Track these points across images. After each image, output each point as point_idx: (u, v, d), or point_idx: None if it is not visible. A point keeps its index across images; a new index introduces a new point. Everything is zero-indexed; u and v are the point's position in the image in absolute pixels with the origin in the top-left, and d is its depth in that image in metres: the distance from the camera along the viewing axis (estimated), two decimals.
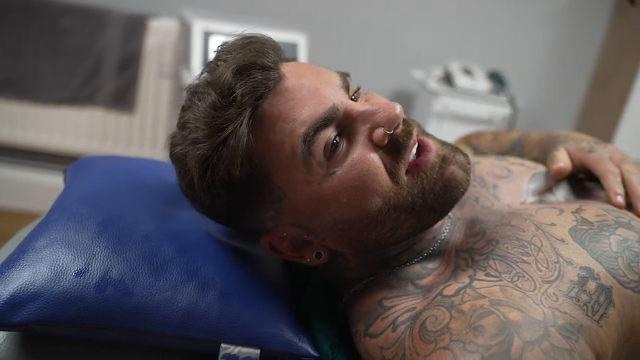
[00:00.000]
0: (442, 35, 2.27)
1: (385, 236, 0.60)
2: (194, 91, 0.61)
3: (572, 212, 0.62)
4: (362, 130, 0.57)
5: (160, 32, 1.92)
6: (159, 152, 2.06)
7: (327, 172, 0.56)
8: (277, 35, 1.69)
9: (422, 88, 2.10)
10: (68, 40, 1.88)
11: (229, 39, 0.61)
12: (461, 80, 2.00)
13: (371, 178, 0.56)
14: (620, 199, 0.64)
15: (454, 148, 0.62)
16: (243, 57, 0.56)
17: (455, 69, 2.04)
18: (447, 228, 0.66)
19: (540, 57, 2.36)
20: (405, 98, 2.33)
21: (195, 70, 1.61)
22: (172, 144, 0.62)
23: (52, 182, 2.08)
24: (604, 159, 0.69)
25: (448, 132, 2.03)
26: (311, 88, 0.57)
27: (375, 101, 0.60)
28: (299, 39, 1.75)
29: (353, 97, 0.60)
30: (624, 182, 0.66)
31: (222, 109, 0.55)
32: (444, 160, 0.60)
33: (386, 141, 0.57)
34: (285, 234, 0.61)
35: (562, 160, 0.71)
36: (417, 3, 2.22)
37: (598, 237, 0.58)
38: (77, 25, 1.87)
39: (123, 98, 1.97)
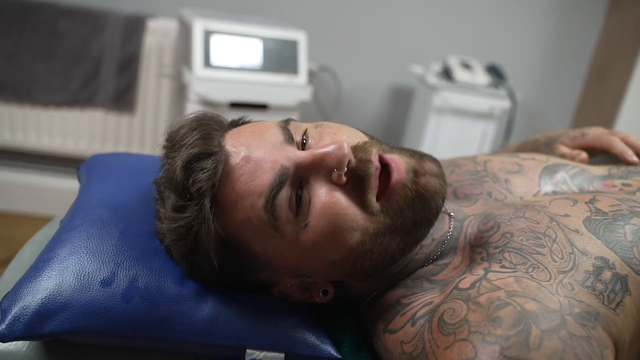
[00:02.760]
0: (440, 30, 2.27)
1: (378, 260, 0.60)
2: (159, 190, 0.62)
3: (586, 203, 0.63)
4: (319, 177, 0.57)
5: (159, 33, 1.91)
6: (159, 153, 2.06)
7: (299, 227, 0.56)
8: (277, 33, 1.71)
9: (422, 83, 2.10)
10: (67, 42, 1.87)
11: (176, 124, 0.62)
12: (460, 74, 2.01)
13: (342, 219, 0.56)
14: (634, 157, 0.74)
15: (421, 155, 0.61)
16: (190, 149, 0.56)
17: (454, 63, 2.04)
18: (452, 227, 0.66)
19: (537, 51, 2.36)
20: (404, 93, 2.33)
21: (197, 69, 1.61)
22: (158, 232, 0.63)
23: (54, 184, 2.08)
24: (600, 134, 0.80)
25: (448, 126, 2.04)
26: (257, 157, 0.57)
27: (322, 143, 0.59)
28: (298, 37, 1.75)
29: (304, 140, 0.60)
30: (628, 145, 0.77)
31: (182, 210, 0.56)
32: (415, 173, 0.59)
33: (345, 179, 0.57)
34: (289, 284, 0.63)
35: (568, 154, 0.79)
36: (415, 0, 2.22)
37: (613, 226, 0.59)
38: (75, 27, 1.86)
39: (123, 99, 1.97)
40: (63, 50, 1.88)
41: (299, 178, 0.57)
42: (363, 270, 0.61)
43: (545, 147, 0.86)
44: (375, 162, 0.58)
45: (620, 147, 0.76)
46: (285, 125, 0.61)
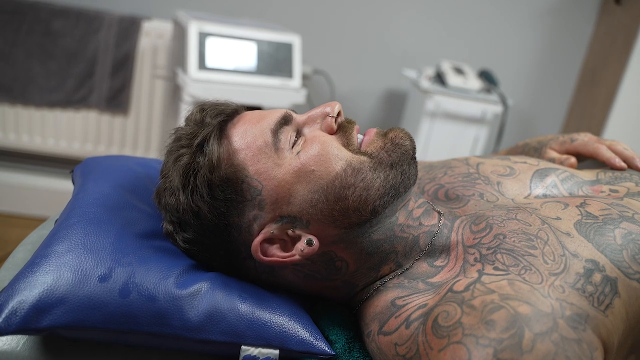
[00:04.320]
0: (434, 36, 2.30)
1: (360, 199, 0.63)
2: (169, 146, 0.70)
3: (577, 206, 0.64)
4: (314, 128, 0.67)
5: (153, 34, 1.92)
6: (152, 154, 2.06)
7: (293, 154, 0.64)
8: (271, 36, 1.72)
9: (415, 87, 2.12)
10: (61, 42, 1.87)
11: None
12: (453, 79, 2.03)
13: (329, 147, 0.64)
14: (621, 162, 0.77)
15: (389, 128, 0.70)
16: (204, 103, 0.70)
17: (447, 68, 2.06)
18: (442, 223, 0.68)
19: (529, 57, 2.39)
20: (398, 97, 2.35)
21: (192, 71, 1.62)
22: (157, 188, 0.69)
23: (47, 185, 2.07)
24: (588, 141, 0.82)
25: (441, 130, 2.06)
26: (264, 111, 0.69)
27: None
28: (293, 40, 1.76)
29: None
30: (614, 152, 0.79)
31: (194, 128, 0.66)
32: (384, 134, 0.68)
33: (335, 127, 0.67)
34: (272, 232, 0.63)
35: (557, 158, 0.81)
36: (409, 5, 2.24)
37: (603, 230, 0.60)
38: (69, 27, 1.87)
39: (117, 100, 1.97)
40: (57, 51, 1.88)
41: (298, 126, 0.67)
42: (348, 210, 0.62)
43: (535, 151, 0.88)
44: (356, 125, 0.69)
45: (607, 154, 0.79)
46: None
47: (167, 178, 0.66)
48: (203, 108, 0.68)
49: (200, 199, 0.62)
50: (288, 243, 0.64)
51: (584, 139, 0.83)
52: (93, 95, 1.95)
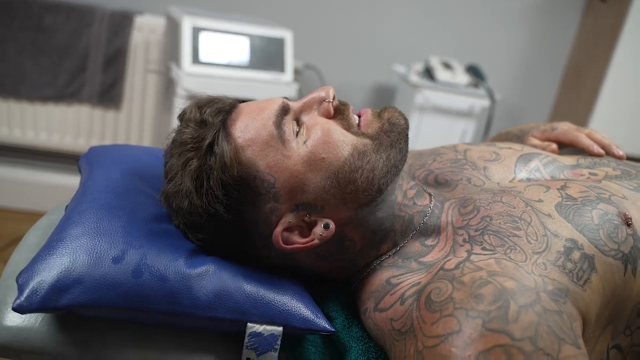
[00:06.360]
0: (423, 32, 2.33)
1: (367, 180, 0.66)
2: (169, 148, 0.71)
3: (558, 189, 0.69)
4: (312, 114, 0.69)
5: (145, 29, 1.93)
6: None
7: (299, 144, 0.66)
8: (264, 31, 1.75)
9: (404, 82, 2.15)
10: (53, 37, 1.88)
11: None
12: (441, 74, 2.07)
13: (333, 133, 0.66)
14: (599, 149, 0.82)
15: (384, 107, 0.73)
16: (199, 100, 0.70)
17: (435, 63, 2.10)
18: (433, 204, 0.72)
19: (515, 53, 2.44)
20: (387, 92, 2.39)
21: (186, 65, 1.64)
22: (163, 192, 0.69)
23: (39, 179, 2.08)
24: (568, 129, 0.87)
25: (430, 124, 2.10)
26: (260, 101, 0.70)
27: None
28: (285, 35, 1.78)
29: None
30: (593, 140, 0.84)
31: (197, 130, 0.67)
32: (379, 114, 0.71)
33: (332, 112, 0.69)
34: (290, 221, 0.66)
35: (539, 145, 0.86)
36: (398, 2, 2.27)
37: (581, 211, 0.65)
38: (61, 22, 1.87)
39: (109, 94, 1.98)
40: (49, 46, 1.88)
41: (296, 114, 0.69)
42: (357, 191, 0.66)
43: (517, 139, 0.93)
44: (350, 106, 0.72)
45: (586, 142, 0.83)
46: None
47: (176, 182, 0.66)
48: (200, 106, 0.68)
49: (215, 201, 0.64)
50: (304, 228, 0.67)
51: (564, 128, 0.88)
52: (85, 90, 1.96)
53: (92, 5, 1.90)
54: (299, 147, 0.65)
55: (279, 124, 0.66)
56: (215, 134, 0.65)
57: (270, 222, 0.66)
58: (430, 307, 0.57)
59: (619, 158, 0.81)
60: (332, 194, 0.65)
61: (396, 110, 0.72)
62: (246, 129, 0.66)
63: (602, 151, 0.82)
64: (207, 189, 0.64)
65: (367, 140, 0.68)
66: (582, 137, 0.84)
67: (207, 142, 0.65)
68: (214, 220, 0.65)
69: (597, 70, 2.25)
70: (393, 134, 0.69)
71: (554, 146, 0.86)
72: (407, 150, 0.71)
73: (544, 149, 0.86)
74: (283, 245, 0.66)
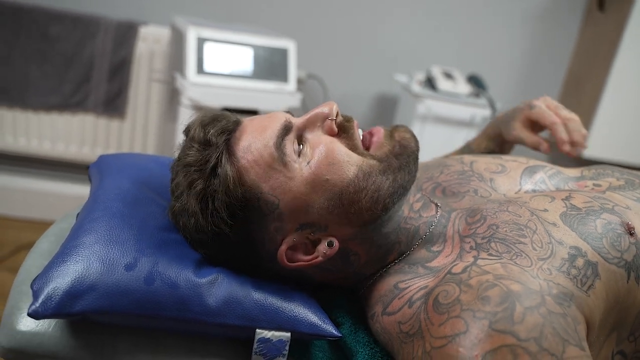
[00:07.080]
0: (424, 42, 2.35)
1: (372, 200, 0.66)
2: (175, 166, 0.71)
3: (562, 200, 0.70)
4: (316, 132, 0.69)
5: (150, 39, 1.96)
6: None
7: (303, 164, 0.66)
8: (267, 41, 1.77)
9: (406, 91, 2.17)
10: (58, 47, 1.89)
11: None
12: (443, 83, 2.08)
13: (338, 154, 0.66)
14: (568, 147, 0.87)
15: (395, 126, 0.73)
16: (203, 117, 0.70)
17: (437, 73, 2.12)
18: (439, 214, 0.73)
19: (516, 62, 2.46)
20: (389, 101, 2.40)
21: (190, 75, 1.66)
22: (171, 208, 0.70)
23: (43, 188, 2.10)
24: (545, 111, 0.90)
25: (431, 134, 2.11)
26: (263, 118, 0.69)
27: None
28: (288, 45, 1.80)
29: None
30: (565, 128, 0.88)
31: (202, 151, 0.66)
32: (390, 135, 0.71)
33: (336, 129, 0.69)
34: (294, 239, 0.67)
35: (525, 136, 0.94)
36: (400, 12, 2.30)
37: (585, 220, 0.66)
38: (67, 32, 1.89)
39: (114, 103, 2.00)
40: (55, 55, 1.90)
41: (300, 136, 0.68)
42: (361, 211, 0.66)
43: (505, 125, 0.98)
44: (355, 121, 0.71)
45: (558, 135, 0.88)
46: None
47: (182, 201, 0.67)
48: (204, 124, 0.68)
49: (221, 221, 0.64)
50: (308, 245, 0.68)
51: (541, 108, 0.92)
52: (90, 99, 1.97)
53: (97, 16, 1.92)
54: (302, 167, 0.65)
55: (279, 145, 0.65)
56: (218, 156, 0.65)
57: (275, 240, 0.67)
58: (438, 309, 0.58)
59: (570, 155, 0.88)
60: (335, 214, 0.66)
61: (407, 131, 0.72)
62: (249, 149, 0.66)
63: (570, 150, 0.87)
64: (212, 210, 0.64)
65: (373, 162, 0.68)
66: (558, 129, 0.88)
67: (211, 164, 0.65)
68: (219, 238, 0.66)
69: (598, 79, 2.27)
70: (403, 157, 0.70)
71: (545, 145, 0.92)
72: (416, 171, 0.71)
73: (533, 145, 0.92)
74: (287, 262, 0.67)
